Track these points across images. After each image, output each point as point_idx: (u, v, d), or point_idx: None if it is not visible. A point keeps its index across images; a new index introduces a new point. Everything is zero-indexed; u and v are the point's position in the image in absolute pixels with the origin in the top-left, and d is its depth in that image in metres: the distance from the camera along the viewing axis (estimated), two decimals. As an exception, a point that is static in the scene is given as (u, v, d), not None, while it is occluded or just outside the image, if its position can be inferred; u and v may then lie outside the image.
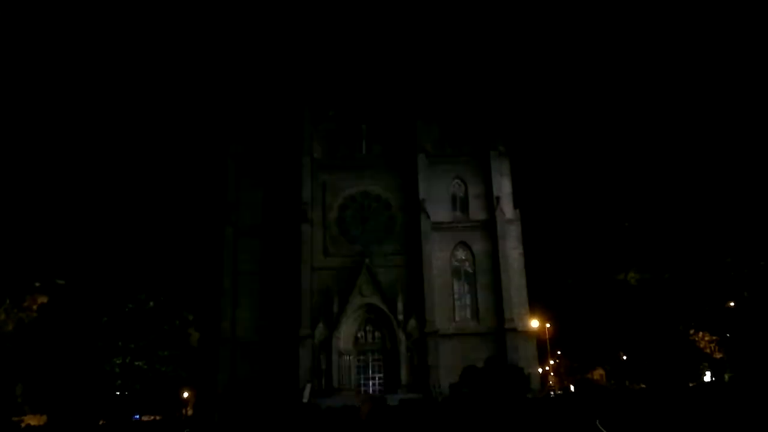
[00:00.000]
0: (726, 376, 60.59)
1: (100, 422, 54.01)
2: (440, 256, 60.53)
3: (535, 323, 60.48)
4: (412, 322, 57.40)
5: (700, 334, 59.59)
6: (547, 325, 64.68)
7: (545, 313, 66.01)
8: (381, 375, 57.66)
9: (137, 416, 59.05)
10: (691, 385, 58.05)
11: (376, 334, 58.50)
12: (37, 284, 58.63)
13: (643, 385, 63.46)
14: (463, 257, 61.58)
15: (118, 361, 56.09)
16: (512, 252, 60.64)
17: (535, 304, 62.98)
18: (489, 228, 61.06)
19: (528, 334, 59.28)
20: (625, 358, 68.38)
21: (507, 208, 61.70)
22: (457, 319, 59.92)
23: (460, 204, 62.76)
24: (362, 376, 57.87)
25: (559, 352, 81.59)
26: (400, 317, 57.27)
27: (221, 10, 66.99)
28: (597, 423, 23.70)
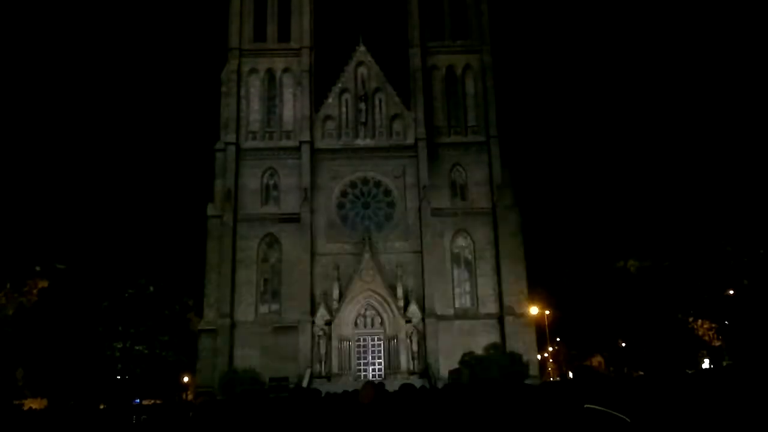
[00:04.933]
0: (724, 364, 60.86)
1: (101, 406, 54.27)
2: (441, 243, 60.61)
3: (534, 310, 60.67)
4: (413, 308, 57.59)
5: (699, 321, 59.81)
6: (547, 312, 64.85)
7: (545, 300, 66.18)
8: (381, 360, 57.90)
9: (138, 400, 59.35)
10: (689, 372, 58.27)
11: (377, 319, 58.62)
12: (38, 268, 58.77)
13: (642, 372, 63.71)
14: (464, 244, 61.68)
15: (118, 346, 56.33)
16: (512, 239, 60.66)
17: (535, 291, 63.18)
18: (490, 215, 61.10)
19: (527, 321, 59.46)
20: (624, 345, 68.64)
21: (507, 196, 61.65)
22: (457, 305, 60.13)
23: (461, 191, 62.72)
24: (362, 361, 58.11)
25: (558, 339, 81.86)
26: (400, 303, 57.48)
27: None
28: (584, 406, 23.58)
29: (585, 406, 8.89)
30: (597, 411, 8.72)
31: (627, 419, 8.64)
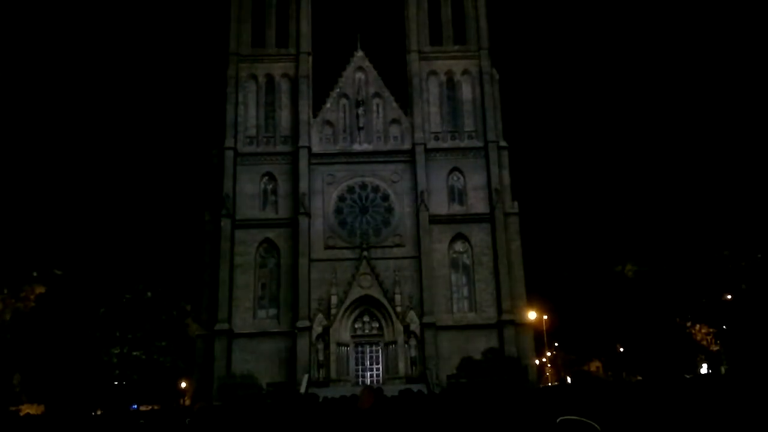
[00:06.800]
0: (722, 369, 60.87)
1: (98, 411, 54.14)
2: (439, 248, 60.57)
3: (532, 315, 60.63)
4: (411, 314, 57.49)
5: (697, 326, 59.81)
6: (545, 317, 64.82)
7: (543, 305, 66.14)
8: (379, 366, 57.81)
9: (135, 406, 59.18)
10: (687, 376, 58.27)
11: (375, 325, 58.56)
12: (35, 274, 58.63)
13: (640, 377, 63.68)
14: (462, 249, 61.62)
15: (115, 351, 56.20)
16: (511, 244, 60.65)
17: (533, 296, 63.14)
18: (488, 220, 61.08)
19: (526, 326, 59.41)
20: (622, 350, 68.61)
21: (506, 201, 61.68)
22: (455, 310, 60.03)
23: (459, 196, 62.71)
24: (360, 367, 57.99)
25: (556, 344, 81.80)
26: (399, 309, 57.37)
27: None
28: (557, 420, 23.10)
29: (558, 419, 8.98)
30: (572, 420, 8.82)
31: (597, 426, 8.74)
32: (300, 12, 65.43)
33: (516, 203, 62.28)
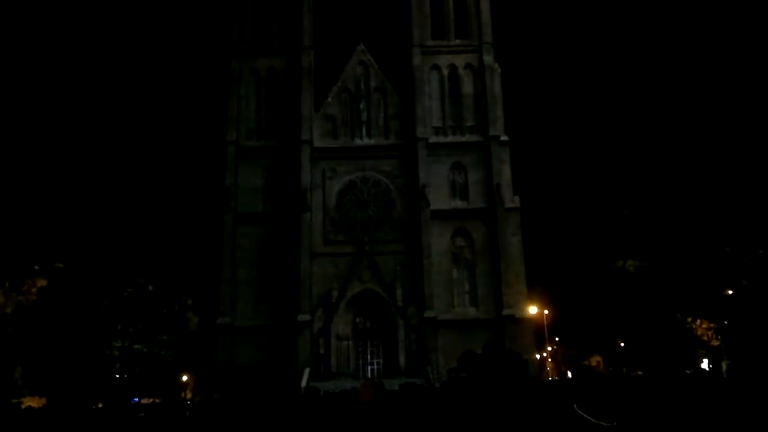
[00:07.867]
0: (723, 364, 60.84)
1: (99, 405, 54.24)
2: (440, 243, 60.60)
3: (533, 310, 60.62)
4: (411, 309, 57.57)
5: (698, 321, 59.71)
6: (546, 312, 64.77)
7: (544, 299, 66.12)
8: (380, 360, 57.95)
9: (136, 399, 59.28)
10: (688, 372, 58.28)
11: (375, 320, 58.64)
12: (37, 267, 58.66)
13: (641, 372, 63.72)
14: (463, 244, 61.66)
15: (117, 345, 56.25)
16: (511, 239, 60.70)
17: (534, 291, 63.16)
18: (489, 215, 61.08)
19: (526, 321, 59.49)
20: (622, 345, 68.55)
21: (507, 196, 61.67)
22: (455, 305, 60.11)
23: (460, 191, 62.70)
24: (361, 361, 58.15)
25: (557, 339, 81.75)
26: (399, 303, 57.45)
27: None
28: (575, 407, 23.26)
29: (574, 406, 9.04)
30: (583, 417, 8.92)
31: (612, 424, 8.84)
32: (302, 6, 65.34)
33: (517, 198, 62.29)
